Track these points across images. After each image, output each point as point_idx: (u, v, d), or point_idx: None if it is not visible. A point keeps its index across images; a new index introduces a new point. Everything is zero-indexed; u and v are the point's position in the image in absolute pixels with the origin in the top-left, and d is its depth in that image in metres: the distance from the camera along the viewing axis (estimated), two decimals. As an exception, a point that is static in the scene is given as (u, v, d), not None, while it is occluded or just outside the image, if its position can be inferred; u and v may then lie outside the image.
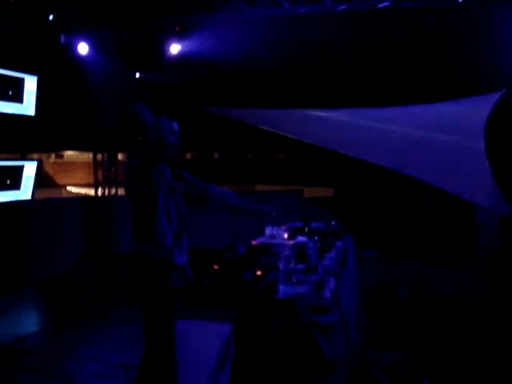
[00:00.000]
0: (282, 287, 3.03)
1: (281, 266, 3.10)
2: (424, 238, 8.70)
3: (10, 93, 7.71)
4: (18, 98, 7.81)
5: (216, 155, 14.39)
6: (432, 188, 7.97)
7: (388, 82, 8.27)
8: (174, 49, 8.40)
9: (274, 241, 4.08)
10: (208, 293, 3.08)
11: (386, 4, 7.10)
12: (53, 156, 15.15)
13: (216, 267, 3.33)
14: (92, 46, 8.37)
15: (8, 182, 7.77)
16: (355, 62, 8.24)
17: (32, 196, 8.04)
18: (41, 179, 9.06)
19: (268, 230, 4.09)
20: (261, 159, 14.86)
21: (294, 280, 3.15)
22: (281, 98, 8.69)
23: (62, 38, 8.14)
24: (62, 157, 15.44)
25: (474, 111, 7.77)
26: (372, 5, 7.13)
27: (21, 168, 7.97)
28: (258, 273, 3.14)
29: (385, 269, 7.35)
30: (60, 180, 15.21)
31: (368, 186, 9.99)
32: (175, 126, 3.26)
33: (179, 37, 8.45)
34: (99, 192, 9.27)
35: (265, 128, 8.76)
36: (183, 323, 3.07)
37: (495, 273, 6.96)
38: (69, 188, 14.80)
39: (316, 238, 4.18)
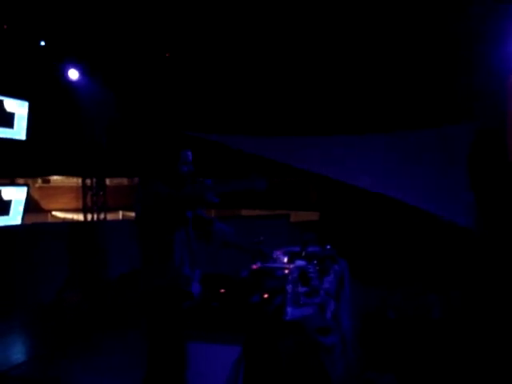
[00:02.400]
0: (289, 309, 3.10)
1: (289, 288, 3.18)
2: (411, 263, 8.84)
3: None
4: (8, 122, 7.85)
5: (202, 180, 14.41)
6: (417, 211, 8.19)
7: (372, 110, 8.51)
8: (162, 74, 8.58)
9: (275, 265, 4.16)
10: (216, 316, 3.14)
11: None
12: (39, 181, 15.05)
13: (222, 291, 3.40)
14: (82, 72, 8.47)
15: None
16: (339, 89, 8.48)
17: (22, 221, 8.02)
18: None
19: (274, 255, 4.18)
20: (246, 184, 14.92)
21: (301, 302, 3.24)
22: (266, 125, 8.88)
23: (53, 64, 8.24)
24: (48, 181, 15.33)
25: (457, 138, 8.05)
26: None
27: (10, 193, 7.96)
28: (265, 296, 3.21)
29: (374, 293, 7.46)
30: (46, 205, 15.09)
31: (353, 209, 10.16)
32: (189, 155, 3.35)
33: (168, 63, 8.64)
34: (88, 217, 9.25)
35: (250, 153, 8.94)
36: (192, 346, 3.12)
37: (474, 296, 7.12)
38: (54, 213, 14.69)
39: (315, 261, 4.27)
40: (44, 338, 6.46)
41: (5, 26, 7.31)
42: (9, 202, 7.88)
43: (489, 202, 7.61)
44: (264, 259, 4.07)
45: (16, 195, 7.99)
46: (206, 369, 3.09)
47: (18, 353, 5.89)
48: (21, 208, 8.00)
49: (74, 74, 8.39)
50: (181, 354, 3.07)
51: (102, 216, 9.37)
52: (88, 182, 9.31)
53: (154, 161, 3.36)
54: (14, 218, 7.93)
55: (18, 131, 7.95)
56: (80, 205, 9.65)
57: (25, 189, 8.22)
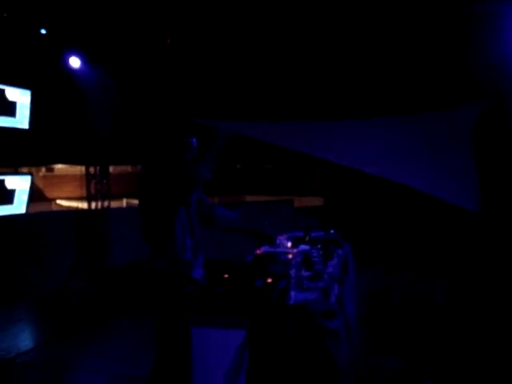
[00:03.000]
0: (293, 294, 3.10)
1: (292, 273, 3.17)
2: (416, 247, 8.83)
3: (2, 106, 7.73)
4: (10, 111, 7.84)
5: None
6: (421, 194, 8.16)
7: (376, 93, 8.45)
8: (165, 61, 8.53)
9: (279, 249, 4.15)
10: (221, 300, 3.15)
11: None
12: (43, 169, 15.08)
13: (226, 276, 3.40)
14: (84, 60, 8.44)
15: (1, 196, 7.77)
16: (345, 73, 8.42)
17: (26, 210, 8.04)
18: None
19: (278, 240, 4.17)
20: (250, 170, 14.97)
21: (305, 287, 3.24)
22: (271, 110, 8.83)
23: (55, 52, 8.21)
24: (52, 170, 15.37)
25: (461, 120, 7.99)
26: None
27: (14, 182, 7.97)
28: (269, 280, 3.21)
29: (378, 277, 7.47)
30: (50, 193, 15.12)
31: (358, 194, 10.14)
32: (194, 142, 3.37)
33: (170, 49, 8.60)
34: (92, 205, 9.28)
35: (254, 138, 8.91)
36: (197, 331, 3.12)
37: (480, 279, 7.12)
38: (59, 201, 14.73)
39: (319, 246, 4.27)
40: (50, 325, 6.50)
41: (5, 14, 7.28)
42: (13, 191, 7.90)
43: (494, 185, 7.58)
44: (269, 242, 4.06)
45: (20, 184, 8.01)
46: (210, 353, 3.09)
47: (24, 340, 5.92)
48: (25, 197, 8.03)
49: (75, 62, 8.36)
50: (185, 339, 3.08)
51: (105, 204, 9.40)
52: (92, 170, 9.33)
53: (157, 148, 3.37)
54: (18, 207, 7.96)
55: (21, 120, 7.94)
56: (84, 193, 9.69)
57: (29, 178, 8.23)
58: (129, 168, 15.42)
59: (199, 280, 3.33)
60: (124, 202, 13.14)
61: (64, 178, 15.36)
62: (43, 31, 8.01)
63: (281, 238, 4.35)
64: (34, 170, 12.44)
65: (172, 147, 3.33)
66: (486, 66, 7.29)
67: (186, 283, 3.25)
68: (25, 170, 10.65)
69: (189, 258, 3.31)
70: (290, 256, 3.85)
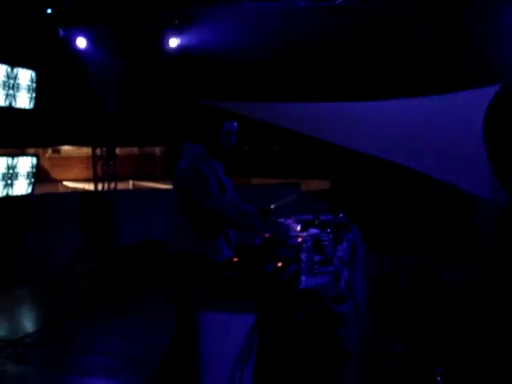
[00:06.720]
0: (304, 278, 3.06)
1: (303, 257, 3.13)
2: (423, 231, 8.77)
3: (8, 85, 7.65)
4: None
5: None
6: (432, 179, 8.08)
7: (386, 75, 8.32)
8: (173, 42, 8.40)
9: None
10: (230, 285, 3.11)
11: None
12: (49, 151, 15.07)
13: (236, 259, 3.37)
14: (90, 40, 8.32)
15: (8, 177, 7.74)
16: (353, 55, 8.28)
17: (32, 191, 8.02)
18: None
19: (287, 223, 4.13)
20: (257, 152, 14.88)
21: (315, 271, 3.19)
22: (278, 91, 8.72)
23: (61, 32, 8.10)
24: (58, 151, 15.36)
25: (473, 104, 7.87)
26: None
27: (20, 163, 7.93)
28: (279, 264, 3.17)
29: (386, 260, 7.43)
30: (56, 175, 15.13)
31: (365, 177, 10.06)
32: (235, 125, 3.45)
33: (178, 30, 8.44)
34: (98, 186, 9.25)
35: (262, 120, 8.82)
36: (206, 315, 3.09)
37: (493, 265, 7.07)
38: (65, 183, 14.74)
39: (328, 230, 4.22)
40: (57, 307, 6.51)
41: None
42: (19, 172, 7.87)
43: (506, 170, 7.48)
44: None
45: (26, 165, 7.98)
46: (219, 338, 3.07)
47: (30, 321, 5.95)
48: (31, 178, 8.00)
49: (80, 42, 8.25)
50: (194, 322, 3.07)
51: (112, 185, 9.37)
52: (98, 151, 9.28)
53: (198, 129, 3.49)
54: (24, 188, 7.93)
55: (26, 101, 7.88)
56: (90, 174, 9.66)
57: (34, 159, 8.20)
58: (135, 150, 15.37)
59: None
60: (130, 184, 13.11)
61: (70, 160, 15.34)
62: (49, 11, 7.89)
63: (289, 222, 4.30)
64: (40, 151, 12.42)
65: (213, 128, 3.40)
66: (500, 47, 7.15)
67: (207, 266, 3.30)
68: (31, 151, 10.63)
69: (214, 242, 3.41)
70: (300, 240, 3.81)
